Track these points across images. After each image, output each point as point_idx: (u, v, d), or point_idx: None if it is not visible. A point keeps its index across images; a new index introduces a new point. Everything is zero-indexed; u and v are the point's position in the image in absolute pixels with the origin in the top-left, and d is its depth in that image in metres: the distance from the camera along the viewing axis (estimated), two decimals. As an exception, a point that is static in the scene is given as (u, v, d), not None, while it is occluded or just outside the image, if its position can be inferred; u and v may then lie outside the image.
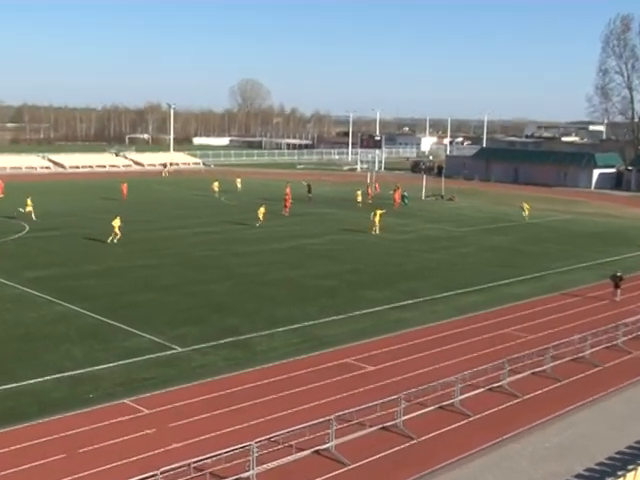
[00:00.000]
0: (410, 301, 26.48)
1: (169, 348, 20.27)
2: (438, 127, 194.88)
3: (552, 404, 17.36)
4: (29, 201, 43.20)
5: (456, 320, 24.25)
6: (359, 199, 54.23)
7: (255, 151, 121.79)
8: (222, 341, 21.08)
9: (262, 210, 43.06)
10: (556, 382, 18.82)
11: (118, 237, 36.03)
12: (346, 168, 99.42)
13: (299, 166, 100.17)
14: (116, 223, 35.95)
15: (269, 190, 64.79)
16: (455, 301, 26.82)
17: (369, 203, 55.13)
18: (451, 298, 27.21)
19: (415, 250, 37.29)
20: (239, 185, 62.16)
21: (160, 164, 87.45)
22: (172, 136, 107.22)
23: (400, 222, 46.51)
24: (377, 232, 41.08)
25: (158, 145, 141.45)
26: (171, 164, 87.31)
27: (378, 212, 41.97)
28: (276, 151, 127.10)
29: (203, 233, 40.36)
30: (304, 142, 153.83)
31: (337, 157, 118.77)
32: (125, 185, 55.45)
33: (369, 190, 59.22)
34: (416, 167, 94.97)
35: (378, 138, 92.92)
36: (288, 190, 55.89)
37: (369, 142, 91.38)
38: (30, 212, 42.67)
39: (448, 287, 28.86)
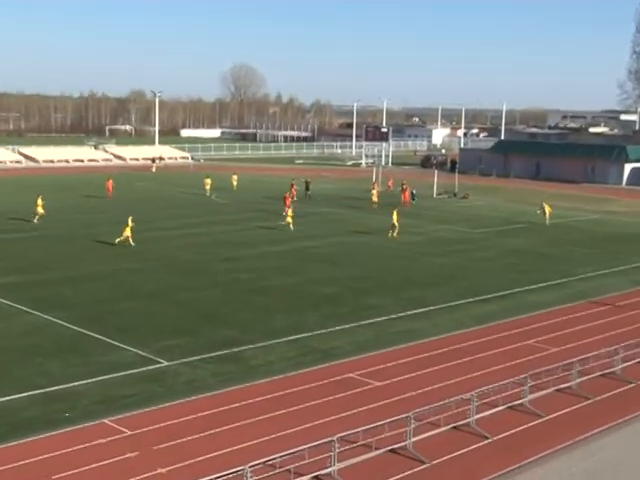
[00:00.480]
0: (420, 310, 26.52)
1: (154, 362, 20.31)
2: (451, 117, 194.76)
3: (579, 425, 17.34)
4: (40, 201, 42.82)
5: (471, 331, 24.28)
6: (375, 199, 52.67)
7: (249, 144, 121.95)
8: (213, 354, 21.11)
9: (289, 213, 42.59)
10: (583, 400, 18.80)
11: (121, 239, 36.26)
12: (350, 163, 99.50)
13: (298, 161, 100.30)
14: (128, 229, 36.30)
15: (266, 187, 64.90)
16: (470, 310, 26.84)
17: (376, 202, 55.15)
18: (465, 307, 27.24)
19: (425, 254, 37.31)
20: (235, 183, 62.06)
21: (149, 158, 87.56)
22: (157, 128, 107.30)
23: (408, 223, 46.48)
24: (395, 235, 41.02)
25: (142, 137, 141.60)
26: (161, 158, 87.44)
27: (396, 212, 41.86)
28: (272, 144, 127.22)
29: (192, 235, 40.39)
30: (303, 134, 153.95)
31: (340, 151, 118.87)
32: (110, 182, 55.53)
33: (375, 188, 59.27)
34: (427, 162, 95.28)
35: (385, 130, 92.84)
36: (294, 188, 56.19)
37: (375, 134, 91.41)
38: (37, 214, 42.36)
39: (462, 294, 28.88)
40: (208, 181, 58.29)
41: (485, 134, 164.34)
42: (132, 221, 36.74)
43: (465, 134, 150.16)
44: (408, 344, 22.62)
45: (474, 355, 21.83)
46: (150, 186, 65.42)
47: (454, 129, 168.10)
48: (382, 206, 51.16)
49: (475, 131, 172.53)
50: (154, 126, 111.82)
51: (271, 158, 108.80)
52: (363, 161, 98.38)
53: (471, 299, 28.32)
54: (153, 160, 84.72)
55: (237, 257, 34.91)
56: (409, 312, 26.17)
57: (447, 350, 22.21)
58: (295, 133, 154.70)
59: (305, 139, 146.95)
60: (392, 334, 23.62)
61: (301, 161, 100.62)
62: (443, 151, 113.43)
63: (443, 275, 32.48)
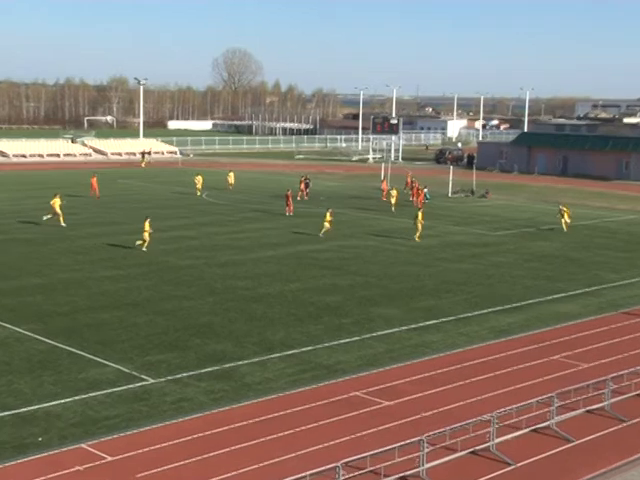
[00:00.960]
0: (433, 321, 26.56)
1: (138, 379, 20.33)
2: (468, 107, 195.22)
3: (613, 450, 17.30)
4: (57, 200, 42.66)
5: (491, 344, 24.31)
6: (393, 200, 51.00)
7: (244, 137, 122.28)
8: (204, 370, 21.14)
9: None
10: (617, 423, 18.76)
11: (147, 243, 36.63)
12: (355, 158, 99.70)
13: (298, 156, 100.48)
14: (146, 233, 36.61)
15: (263, 185, 65.08)
16: (489, 321, 26.89)
17: (384, 201, 55.19)
18: (484, 317, 27.29)
19: (439, 259, 37.38)
20: (231, 181, 61.80)
21: (137, 153, 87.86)
22: (142, 119, 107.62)
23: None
24: (417, 238, 41.12)
25: (124, 130, 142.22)
26: (150, 153, 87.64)
27: (420, 213, 41.61)
28: (270, 137, 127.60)
29: (181, 238, 40.50)
30: (304, 127, 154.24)
31: (344, 145, 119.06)
32: (95, 179, 55.53)
33: (384, 185, 59.33)
34: (441, 157, 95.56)
35: (395, 121, 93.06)
36: (302, 186, 56.32)
37: (383, 126, 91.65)
38: (55, 214, 42.31)
39: (480, 304, 28.95)
40: (199, 179, 58.30)
41: (506, 126, 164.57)
42: (149, 224, 36.90)
43: (484, 126, 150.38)
44: (420, 359, 22.66)
45: (494, 372, 21.82)
46: (134, 184, 65.59)
47: (471, 120, 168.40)
48: (385, 205, 51.13)
49: (495, 122, 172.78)
50: (138, 117, 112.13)
51: (269, 153, 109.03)
52: (370, 156, 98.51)
53: (490, 309, 28.36)
54: (143, 154, 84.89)
55: (232, 262, 35.01)
56: (421, 324, 26.21)
57: (464, 366, 22.20)
58: (295, 125, 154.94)
59: (306, 132, 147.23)
60: (402, 348, 23.65)
61: (301, 156, 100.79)
62: (459, 145, 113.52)
63: (459, 282, 32.51)
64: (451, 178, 62.84)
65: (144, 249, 36.53)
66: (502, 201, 60.81)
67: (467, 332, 25.55)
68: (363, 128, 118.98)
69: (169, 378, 20.50)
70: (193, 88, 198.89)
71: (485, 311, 28.09)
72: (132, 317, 25.82)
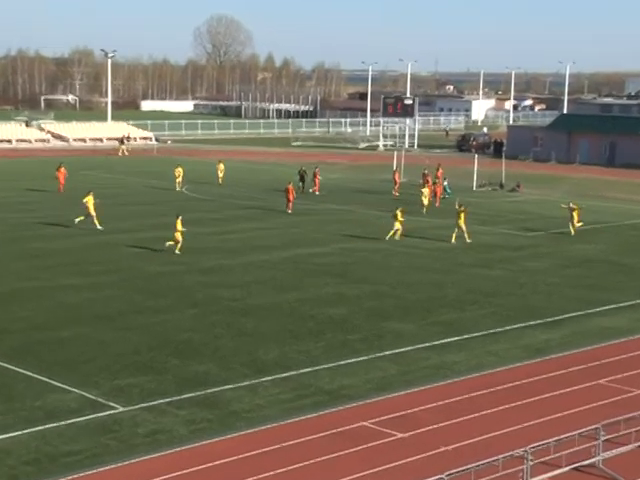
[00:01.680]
0: (456, 338, 26.57)
1: (106, 407, 20.28)
2: (496, 85, 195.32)
3: (668, 491, 17.28)
4: (91, 197, 42.33)
5: (523, 366, 24.30)
6: (425, 201, 49.81)
7: (231, 121, 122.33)
8: (183, 396, 21.12)
9: None
10: (674, 459, 18.70)
11: (180, 245, 37.18)
12: (363, 146, 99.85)
13: (295, 143, 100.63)
14: (179, 233, 37.17)
15: (255, 178, 65.24)
16: (522, 338, 26.90)
17: (396, 197, 55.26)
18: (516, 334, 27.31)
19: (462, 264, 37.45)
20: (221, 174, 61.64)
21: (116, 139, 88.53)
22: (110, 98, 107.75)
23: (439, 224, 46.60)
24: (467, 239, 41.53)
25: (89, 112, 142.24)
26: (129, 139, 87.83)
27: (462, 211, 41.75)
28: (262, 121, 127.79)
29: (158, 239, 40.49)
30: (302, 108, 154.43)
31: (350, 130, 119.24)
32: (63, 170, 55.50)
33: (396, 177, 59.31)
34: (464, 144, 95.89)
35: (409, 102, 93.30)
36: (317, 179, 56.45)
37: (396, 108, 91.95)
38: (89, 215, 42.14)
39: (510, 318, 28.99)
40: (179, 171, 58.31)
41: (542, 107, 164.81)
42: (181, 223, 37.38)
43: (515, 107, 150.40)
44: (440, 383, 22.65)
45: (527, 398, 21.75)
46: (101, 176, 65.73)
47: (500, 100, 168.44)
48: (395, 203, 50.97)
49: (529, 103, 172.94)
50: (105, 96, 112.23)
51: (260, 139, 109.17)
52: (380, 143, 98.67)
53: (523, 324, 28.37)
54: (122, 141, 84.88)
55: (217, 268, 35.09)
56: (441, 341, 26.22)
57: (491, 391, 22.16)
58: (292, 107, 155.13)
59: (305, 114, 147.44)
60: (419, 370, 23.66)
61: (299, 143, 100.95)
62: (485, 130, 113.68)
63: (486, 292, 32.55)
64: (476, 169, 62.94)
65: (177, 252, 37.03)
66: (536, 196, 60.86)
67: (496, 351, 25.54)
68: (372, 110, 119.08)
69: (142, 405, 20.43)
70: (171, 62, 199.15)
71: (517, 326, 28.10)
72: (99, 334, 25.81)
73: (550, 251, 40.98)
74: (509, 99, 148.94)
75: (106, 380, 21.94)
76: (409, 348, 25.39)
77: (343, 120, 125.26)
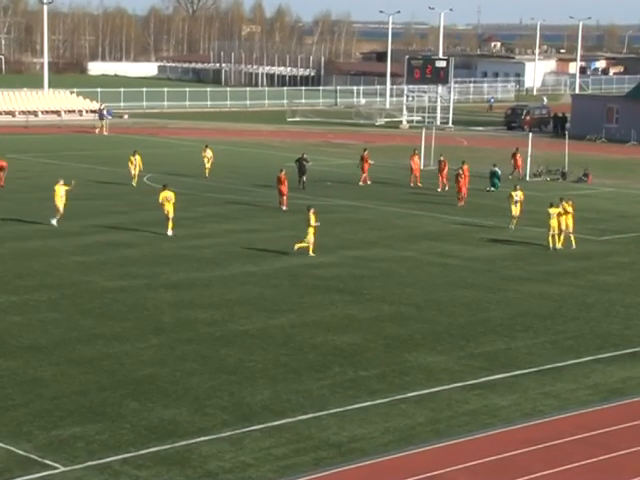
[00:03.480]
0: (502, 375, 26.52)
1: (41, 466, 20.09)
2: (558, 42, 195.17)
3: None
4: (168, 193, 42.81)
5: (594, 412, 24.06)
6: (515, 208, 46.81)
7: (208, 89, 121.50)
8: (145, 451, 21.07)
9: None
10: None
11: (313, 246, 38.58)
12: (381, 122, 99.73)
13: (292, 118, 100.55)
14: (312, 222, 38.83)
15: (240, 165, 65.22)
16: (590, 375, 26.69)
17: (413, 188, 55.42)
18: (583, 369, 27.14)
19: (511, 279, 37.42)
20: (208, 163, 61.10)
21: (94, 111, 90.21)
22: (46, 59, 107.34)
23: (479, 224, 46.61)
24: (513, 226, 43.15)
25: (19, 75, 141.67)
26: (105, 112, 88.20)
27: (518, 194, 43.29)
28: (248, 90, 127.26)
29: (110, 245, 40.61)
30: (302, 73, 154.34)
31: (363, 101, 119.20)
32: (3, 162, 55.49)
33: (414, 162, 59.37)
34: (514, 120, 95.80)
35: (442, 64, 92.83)
36: (367, 164, 57.50)
37: (425, 72, 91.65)
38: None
39: (575, 349, 28.86)
40: (137, 160, 58.06)
41: (619, 69, 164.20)
42: (315, 216, 38.85)
43: (583, 70, 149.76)
44: (482, 434, 22.55)
45: (599, 455, 21.48)
46: (35, 161, 65.43)
47: (563, 62, 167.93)
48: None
49: (601, 65, 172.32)
50: (40, 56, 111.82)
51: (246, 114, 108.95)
52: (404, 119, 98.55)
53: (590, 357, 28.18)
54: (101, 116, 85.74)
55: (189, 283, 35.03)
56: (484, 378, 26.16)
57: (549, 446, 21.96)
58: (287, 70, 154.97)
59: (305, 81, 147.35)
60: (454, 416, 23.57)
61: (296, 118, 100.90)
62: (545, 100, 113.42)
63: (542, 315, 32.49)
64: (530, 153, 62.84)
65: (312, 254, 38.60)
66: (610, 188, 60.69)
67: (556, 392, 25.29)
68: (393, 75, 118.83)
69: (90, 464, 20.12)
70: (128, 11, 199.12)
71: (584, 359, 27.89)
72: (32, 369, 25.63)
73: (628, 261, 40.85)
74: (575, 60, 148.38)
75: (42, 430, 21.70)
76: (441, 388, 25.26)
77: (355, 88, 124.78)
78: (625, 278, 37.96)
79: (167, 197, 42.74)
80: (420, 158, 61.22)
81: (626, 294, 35.52)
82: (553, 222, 41.80)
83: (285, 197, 49.51)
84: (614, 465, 21.23)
